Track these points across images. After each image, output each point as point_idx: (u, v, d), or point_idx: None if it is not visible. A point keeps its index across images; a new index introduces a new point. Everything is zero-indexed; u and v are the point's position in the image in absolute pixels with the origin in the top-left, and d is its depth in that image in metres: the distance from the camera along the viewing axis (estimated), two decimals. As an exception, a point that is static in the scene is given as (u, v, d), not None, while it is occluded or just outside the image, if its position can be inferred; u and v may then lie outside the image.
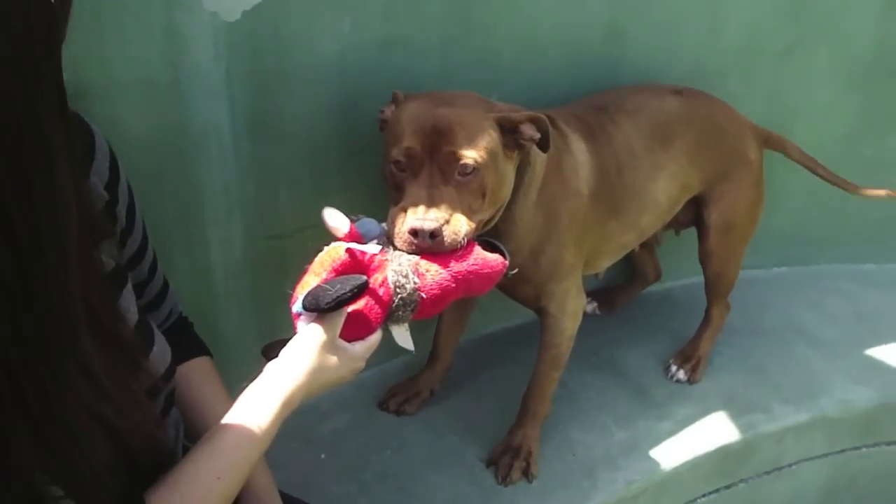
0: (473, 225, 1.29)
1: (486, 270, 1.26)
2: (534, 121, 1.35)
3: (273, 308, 1.66)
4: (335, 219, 1.17)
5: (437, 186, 1.27)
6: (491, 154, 1.31)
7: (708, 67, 1.95)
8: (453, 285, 1.20)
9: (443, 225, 1.23)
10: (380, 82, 1.56)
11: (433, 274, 1.19)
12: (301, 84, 1.48)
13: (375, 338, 1.14)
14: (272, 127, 1.49)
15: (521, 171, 1.43)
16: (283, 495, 1.27)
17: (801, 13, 1.98)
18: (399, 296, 1.14)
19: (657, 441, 1.77)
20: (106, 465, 0.83)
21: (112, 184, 1.03)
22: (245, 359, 1.44)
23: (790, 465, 1.94)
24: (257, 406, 0.99)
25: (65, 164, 0.71)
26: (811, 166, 1.97)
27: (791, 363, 2.01)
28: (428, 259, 1.21)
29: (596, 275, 1.83)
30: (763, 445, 1.84)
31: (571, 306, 1.61)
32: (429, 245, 1.21)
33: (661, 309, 2.18)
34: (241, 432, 0.97)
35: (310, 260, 1.14)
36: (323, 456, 1.69)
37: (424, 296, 1.16)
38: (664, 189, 1.71)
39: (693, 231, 1.90)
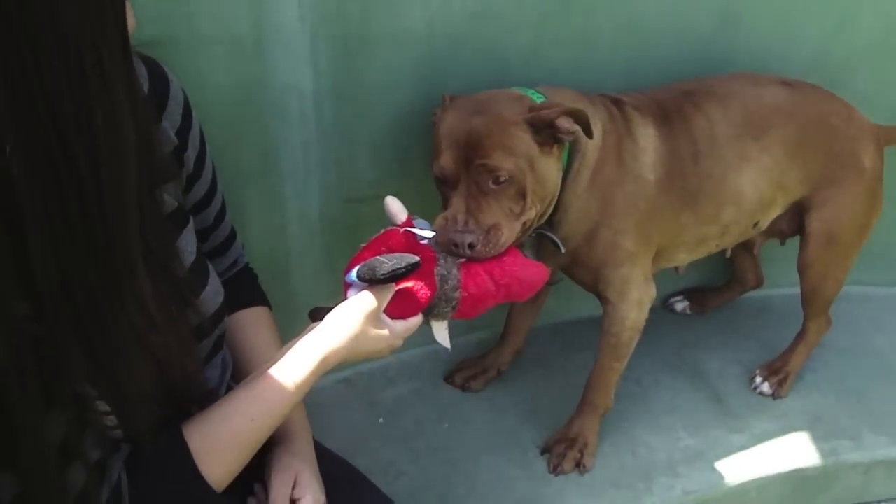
0: (515, 230, 1.32)
1: (526, 277, 1.28)
2: (570, 114, 1.33)
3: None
4: (395, 205, 1.24)
5: (475, 197, 1.31)
6: (524, 157, 1.32)
7: (833, 62, 1.80)
8: (493, 289, 1.23)
9: (480, 236, 1.26)
10: (468, 54, 1.55)
11: (475, 276, 1.22)
12: (386, 51, 1.49)
13: (416, 320, 1.17)
14: (354, 91, 1.50)
15: (571, 157, 1.41)
16: (319, 448, 1.30)
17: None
18: (441, 290, 1.17)
19: (726, 453, 1.67)
20: (148, 392, 0.90)
21: (183, 130, 1.08)
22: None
23: (879, 502, 1.79)
24: (296, 361, 1.03)
25: (125, 103, 0.76)
26: None
27: (895, 392, 1.84)
28: (473, 266, 1.24)
29: (676, 268, 1.74)
30: (846, 476, 1.71)
31: (634, 295, 1.54)
32: (468, 255, 1.24)
33: (757, 316, 2.05)
34: (277, 383, 1.01)
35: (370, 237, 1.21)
36: (381, 420, 1.72)
37: (465, 294, 1.19)
38: (751, 182, 1.59)
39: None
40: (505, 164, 1.30)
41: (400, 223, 1.23)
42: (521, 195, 1.33)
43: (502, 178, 1.31)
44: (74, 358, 0.79)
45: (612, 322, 1.56)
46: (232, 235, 1.29)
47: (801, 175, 1.64)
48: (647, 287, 1.56)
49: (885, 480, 1.74)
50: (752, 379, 1.84)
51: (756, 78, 1.66)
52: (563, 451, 1.62)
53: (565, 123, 1.33)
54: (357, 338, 1.07)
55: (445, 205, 1.34)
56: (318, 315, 1.12)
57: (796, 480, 1.69)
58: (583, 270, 1.53)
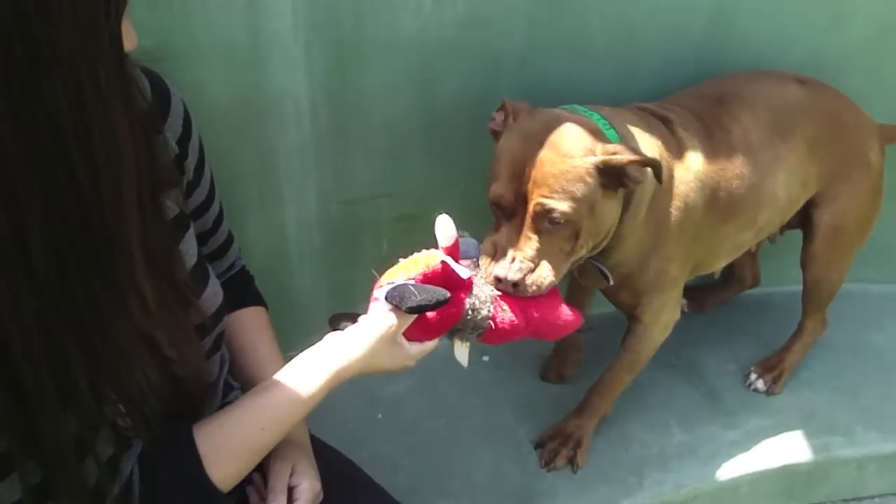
0: (562, 271, 1.31)
1: (559, 322, 1.29)
2: (644, 164, 1.30)
3: (343, 270, 1.75)
4: (446, 228, 1.19)
5: (527, 234, 1.29)
6: (585, 202, 1.28)
7: (827, 60, 1.81)
8: (523, 325, 1.24)
9: (526, 274, 1.26)
10: (460, 59, 1.58)
11: (508, 313, 1.23)
12: (379, 57, 1.53)
13: (431, 345, 1.20)
14: (349, 96, 1.55)
15: (631, 192, 1.38)
16: (317, 441, 1.35)
17: (945, 7, 1.79)
18: (470, 318, 1.18)
19: (719, 449, 1.70)
20: (155, 388, 0.93)
21: (183, 140, 1.13)
22: (314, 316, 1.54)
23: (872, 498, 1.81)
24: (310, 372, 1.07)
25: (123, 117, 0.80)
26: None
27: (890, 388, 1.86)
28: (508, 299, 1.25)
29: (712, 274, 1.77)
30: (838, 471, 1.73)
31: (665, 318, 1.59)
32: (511, 291, 1.25)
33: (755, 314, 2.07)
34: (290, 393, 1.06)
35: (401, 254, 1.20)
36: (380, 416, 1.76)
37: (494, 326, 1.20)
38: (784, 184, 1.62)
39: (800, 236, 1.79)
40: (565, 208, 1.26)
41: (444, 247, 1.20)
42: (576, 236, 1.31)
43: (558, 222, 1.28)
44: (75, 357, 0.83)
45: (640, 341, 1.59)
46: (230, 239, 1.33)
47: (819, 172, 1.66)
48: (676, 309, 1.60)
49: (878, 476, 1.76)
50: (747, 376, 1.86)
51: (775, 76, 1.68)
52: (557, 447, 1.65)
53: (636, 173, 1.29)
54: (373, 356, 1.11)
55: (497, 227, 1.33)
56: (336, 321, 1.16)
57: (789, 476, 1.71)
58: (627, 295, 1.54)
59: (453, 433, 1.73)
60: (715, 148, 1.53)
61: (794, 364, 1.86)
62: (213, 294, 1.14)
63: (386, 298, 1.11)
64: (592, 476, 1.63)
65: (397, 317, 1.11)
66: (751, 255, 2.02)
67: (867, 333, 2.02)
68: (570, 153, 1.27)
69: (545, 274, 1.28)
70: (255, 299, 1.35)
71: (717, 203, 1.52)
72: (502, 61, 1.62)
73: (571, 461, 1.64)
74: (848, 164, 1.69)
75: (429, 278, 1.15)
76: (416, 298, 1.08)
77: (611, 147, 1.29)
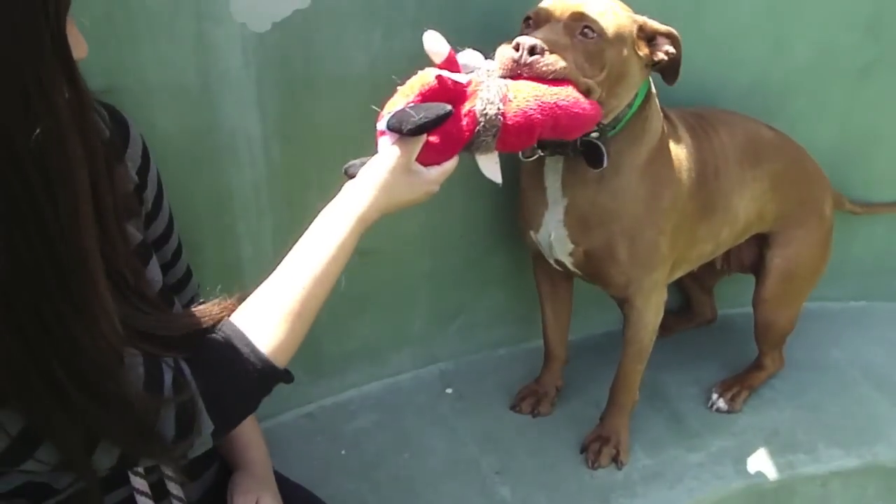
0: (579, 76, 1.28)
1: (576, 109, 1.23)
2: (671, 36, 1.38)
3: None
4: (435, 43, 1.16)
5: (558, 35, 1.29)
6: (618, 33, 1.33)
7: (772, 84, 1.86)
8: (539, 116, 1.18)
9: (545, 48, 1.24)
10: (411, 93, 1.60)
11: (520, 101, 1.17)
12: (330, 93, 1.54)
13: (451, 164, 1.17)
14: (302, 132, 1.55)
15: (638, 126, 1.44)
16: (281, 478, 1.33)
17: (882, 30, 1.85)
18: (483, 123, 1.14)
19: (684, 472, 1.70)
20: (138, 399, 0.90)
21: (143, 170, 1.14)
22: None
23: (838, 513, 1.81)
24: (334, 224, 1.07)
25: (71, 126, 0.79)
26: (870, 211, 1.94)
27: (850, 404, 1.88)
28: (522, 80, 1.21)
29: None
30: (802, 489, 1.74)
31: (656, 300, 1.62)
32: (526, 61, 1.22)
33: (716, 336, 2.09)
34: (320, 248, 1.05)
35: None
36: (343, 452, 1.75)
37: (508, 122, 1.15)
38: (745, 208, 1.68)
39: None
40: (602, 20, 1.30)
41: (439, 63, 1.16)
42: (600, 62, 1.31)
43: (592, 32, 1.30)
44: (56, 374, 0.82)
45: (638, 329, 1.63)
46: (188, 274, 1.33)
47: (778, 210, 1.73)
48: (664, 291, 1.63)
49: (842, 492, 1.77)
50: (709, 396, 1.87)
51: (747, 116, 1.75)
52: (599, 447, 1.69)
53: (665, 42, 1.38)
54: (390, 190, 1.09)
55: None
56: (351, 170, 1.14)
57: (755, 495, 1.71)
58: (616, 269, 1.54)
59: (418, 467, 1.71)
60: (699, 144, 1.59)
61: (754, 385, 1.88)
62: None
63: (388, 128, 1.08)
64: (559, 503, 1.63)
65: (404, 144, 1.08)
66: (708, 293, 2.08)
67: (827, 350, 2.05)
68: (619, 4, 1.36)
69: (561, 60, 1.25)
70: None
71: (699, 194, 1.57)
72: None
73: (615, 459, 1.69)
74: (805, 210, 1.77)
75: (427, 96, 1.12)
76: (415, 119, 1.04)
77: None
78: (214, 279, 1.55)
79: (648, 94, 1.46)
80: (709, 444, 1.77)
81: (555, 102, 1.19)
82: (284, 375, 1.01)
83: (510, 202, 1.70)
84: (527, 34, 1.32)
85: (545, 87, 1.21)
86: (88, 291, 0.83)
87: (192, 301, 1.34)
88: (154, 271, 1.11)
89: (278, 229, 1.63)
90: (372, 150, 1.61)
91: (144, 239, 1.11)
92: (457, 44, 1.58)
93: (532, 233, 1.60)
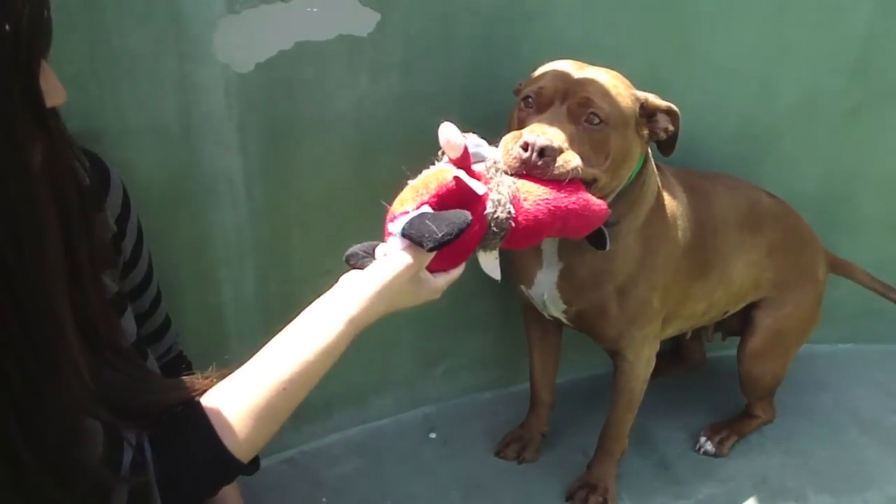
0: (587, 170, 1.26)
1: (586, 212, 1.20)
2: (671, 113, 1.38)
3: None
4: (452, 136, 1.07)
5: (562, 123, 1.26)
6: (623, 117, 1.31)
7: (760, 128, 1.86)
8: (549, 219, 1.15)
9: (556, 148, 1.20)
10: (397, 135, 1.58)
11: (531, 203, 1.13)
12: (314, 134, 1.51)
13: (457, 272, 1.13)
14: (285, 174, 1.53)
15: (636, 191, 1.43)
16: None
17: (868, 73, 1.85)
18: (492, 226, 1.09)
19: (672, 520, 1.67)
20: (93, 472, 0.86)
21: (122, 219, 1.12)
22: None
23: (826, 561, 1.78)
24: (327, 323, 0.99)
25: (41, 176, 0.77)
26: (882, 291, 1.89)
27: (839, 449, 1.86)
28: (531, 181, 1.17)
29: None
30: (792, 537, 1.71)
31: (647, 353, 1.60)
32: (536, 163, 1.18)
33: (706, 379, 2.07)
34: (306, 348, 0.97)
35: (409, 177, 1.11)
36: (324, 500, 1.70)
37: (518, 226, 1.11)
38: (741, 273, 1.68)
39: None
40: (608, 106, 1.28)
41: (454, 159, 1.09)
42: (604, 150, 1.29)
43: (598, 119, 1.28)
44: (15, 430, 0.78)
45: (629, 380, 1.61)
46: (167, 322, 1.30)
47: (773, 278, 1.74)
48: (656, 344, 1.62)
49: (832, 540, 1.74)
50: (697, 440, 1.85)
51: (749, 184, 1.75)
52: (586, 495, 1.66)
53: (665, 120, 1.37)
54: (392, 297, 1.03)
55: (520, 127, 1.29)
56: (354, 261, 1.07)
57: (743, 544, 1.68)
58: (608, 325, 1.53)
59: (401, 515, 1.67)
60: (697, 202, 1.58)
61: (742, 432, 1.86)
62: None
63: (403, 235, 1.00)
64: (545, 554, 1.59)
65: (417, 254, 1.01)
66: (700, 342, 2.06)
67: (815, 394, 2.03)
68: (619, 79, 1.35)
69: (573, 157, 1.22)
70: (189, 385, 1.31)
71: (695, 253, 1.57)
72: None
73: None
74: (800, 275, 1.77)
75: (443, 198, 1.04)
76: (437, 236, 0.97)
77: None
78: (194, 324, 1.54)
79: (645, 158, 1.44)
80: (697, 492, 1.73)
81: (566, 206, 1.17)
82: (246, 469, 0.97)
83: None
84: (526, 115, 1.31)
85: (555, 191, 1.17)
86: (56, 346, 0.80)
87: (170, 351, 1.31)
88: (129, 323, 1.08)
89: (260, 272, 1.60)
90: (355, 195, 1.60)
91: (120, 290, 1.09)
92: (445, 88, 1.59)
93: (524, 287, 1.58)
